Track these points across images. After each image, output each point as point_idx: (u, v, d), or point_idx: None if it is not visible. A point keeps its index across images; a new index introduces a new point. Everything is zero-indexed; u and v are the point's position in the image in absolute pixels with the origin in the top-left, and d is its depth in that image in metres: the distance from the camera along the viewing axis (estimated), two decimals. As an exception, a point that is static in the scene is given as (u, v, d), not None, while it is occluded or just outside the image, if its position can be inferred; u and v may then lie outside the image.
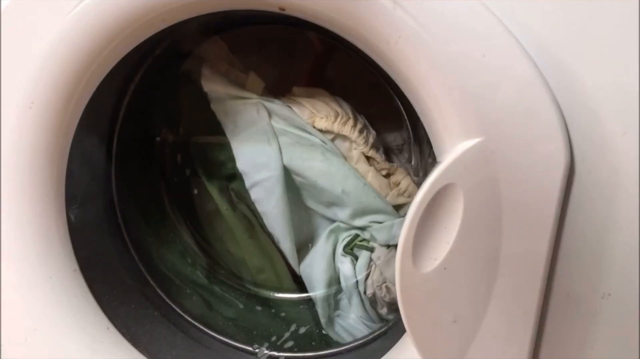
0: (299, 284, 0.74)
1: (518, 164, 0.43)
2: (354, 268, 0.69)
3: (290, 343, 0.69)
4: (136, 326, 0.60)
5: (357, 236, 0.70)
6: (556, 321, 0.47)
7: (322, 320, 0.71)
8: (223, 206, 0.74)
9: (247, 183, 0.67)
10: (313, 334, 0.71)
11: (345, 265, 0.69)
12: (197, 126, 0.73)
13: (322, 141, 0.64)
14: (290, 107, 0.65)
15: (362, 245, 0.69)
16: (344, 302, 0.72)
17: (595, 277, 0.45)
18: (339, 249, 0.70)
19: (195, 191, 0.75)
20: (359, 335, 0.69)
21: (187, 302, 0.70)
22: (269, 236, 0.72)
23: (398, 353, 0.53)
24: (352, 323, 0.71)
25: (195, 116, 0.72)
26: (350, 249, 0.70)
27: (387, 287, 0.67)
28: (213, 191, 0.74)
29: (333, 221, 0.71)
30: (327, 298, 0.71)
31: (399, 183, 0.67)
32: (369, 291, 0.68)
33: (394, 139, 0.71)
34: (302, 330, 0.71)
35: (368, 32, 0.43)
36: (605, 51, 0.42)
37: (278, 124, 0.64)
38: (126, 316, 0.59)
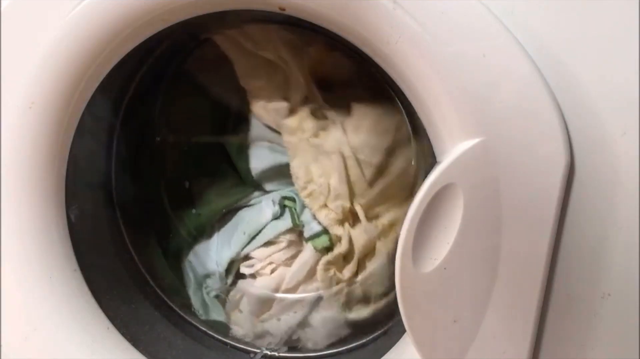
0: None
1: (518, 164, 0.43)
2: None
3: (288, 344, 0.69)
4: (136, 326, 0.60)
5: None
6: (556, 321, 0.47)
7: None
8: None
9: None
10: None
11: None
12: (198, 126, 0.73)
13: None
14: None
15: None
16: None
17: (595, 277, 0.45)
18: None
19: (195, 191, 0.75)
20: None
21: (187, 302, 0.70)
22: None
23: (398, 353, 0.53)
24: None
25: (195, 116, 0.72)
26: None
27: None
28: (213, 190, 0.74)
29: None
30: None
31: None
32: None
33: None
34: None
35: (368, 32, 0.43)
36: (605, 51, 0.42)
37: None
38: (126, 316, 0.59)
